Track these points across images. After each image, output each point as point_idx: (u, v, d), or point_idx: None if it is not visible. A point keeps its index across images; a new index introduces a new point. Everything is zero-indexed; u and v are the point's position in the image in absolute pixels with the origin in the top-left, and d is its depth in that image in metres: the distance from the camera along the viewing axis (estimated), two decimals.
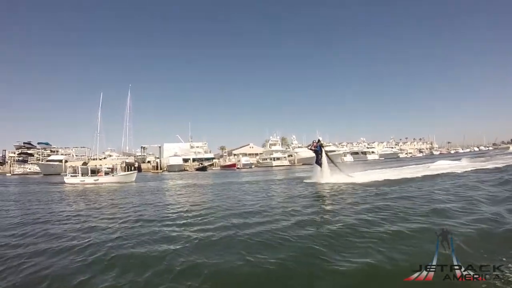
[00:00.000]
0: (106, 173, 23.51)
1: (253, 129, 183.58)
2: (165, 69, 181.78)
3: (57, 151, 73.24)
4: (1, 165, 73.97)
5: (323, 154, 15.95)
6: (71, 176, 23.50)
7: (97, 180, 22.40)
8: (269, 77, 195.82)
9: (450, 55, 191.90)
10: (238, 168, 61.49)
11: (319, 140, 16.79)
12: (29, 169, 66.18)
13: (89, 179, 22.45)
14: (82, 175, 22.94)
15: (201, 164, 61.51)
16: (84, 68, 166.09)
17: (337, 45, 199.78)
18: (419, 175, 14.46)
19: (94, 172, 23.35)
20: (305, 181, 16.06)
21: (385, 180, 13.14)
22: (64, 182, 22.74)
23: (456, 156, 30.30)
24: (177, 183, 21.63)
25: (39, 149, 76.15)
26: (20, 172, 63.13)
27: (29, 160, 73.58)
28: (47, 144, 76.69)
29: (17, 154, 76.11)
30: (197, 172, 49.46)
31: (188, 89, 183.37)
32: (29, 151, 76.26)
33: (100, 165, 24.41)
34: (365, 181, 13.05)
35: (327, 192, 10.96)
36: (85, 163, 24.19)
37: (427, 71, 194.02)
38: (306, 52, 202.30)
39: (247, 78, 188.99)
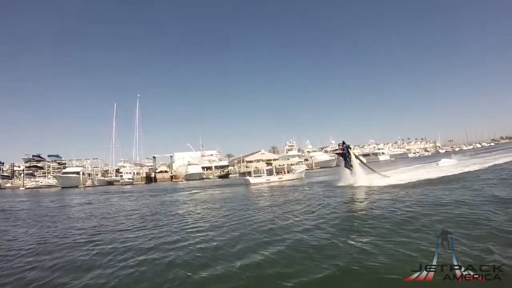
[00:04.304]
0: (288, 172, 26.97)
1: (260, 135, 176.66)
2: (171, 76, 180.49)
3: (65, 164, 71.53)
4: (9, 179, 72.03)
5: (352, 156, 15.38)
6: (255, 176, 25.49)
7: (281, 178, 24.74)
8: (273, 81, 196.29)
9: (450, 53, 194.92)
10: None
11: (344, 142, 15.84)
12: (41, 182, 64.60)
13: (274, 178, 24.63)
14: (267, 175, 25.38)
15: (223, 171, 61.46)
16: (91, 78, 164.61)
17: (338, 46, 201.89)
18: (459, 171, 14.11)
19: (275, 172, 26.56)
20: (338, 184, 15.14)
21: (438, 178, 12.52)
22: (248, 183, 24.00)
23: (463, 153, 30.60)
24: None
25: (48, 161, 74.56)
26: (32, 186, 61.41)
27: (36, 173, 71.87)
28: (57, 156, 75.08)
29: (26, 167, 74.20)
30: (221, 179, 48.94)
31: (193, 96, 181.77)
32: (38, 164, 74.49)
33: (283, 165, 28.54)
34: (407, 181, 12.15)
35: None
36: (269, 164, 28.58)
37: (426, 70, 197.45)
38: (307, 51, 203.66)
39: (249, 82, 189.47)
